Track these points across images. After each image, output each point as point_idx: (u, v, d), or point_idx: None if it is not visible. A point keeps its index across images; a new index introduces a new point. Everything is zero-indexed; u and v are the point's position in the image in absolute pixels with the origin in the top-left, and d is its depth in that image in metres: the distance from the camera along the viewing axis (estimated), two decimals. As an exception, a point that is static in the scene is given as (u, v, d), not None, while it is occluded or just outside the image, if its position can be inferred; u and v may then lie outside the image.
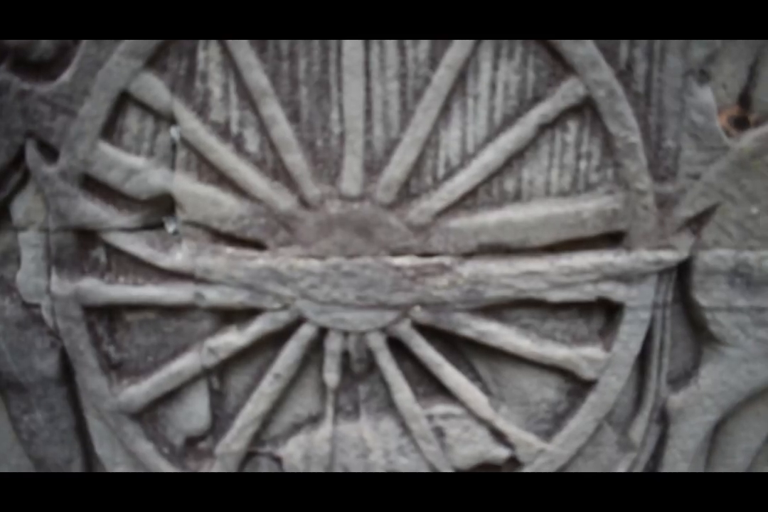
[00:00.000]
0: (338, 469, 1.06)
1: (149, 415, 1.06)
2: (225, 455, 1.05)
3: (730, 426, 1.11)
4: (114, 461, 1.11)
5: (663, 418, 1.07)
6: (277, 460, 1.07)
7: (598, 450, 1.07)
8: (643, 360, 1.05)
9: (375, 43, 0.91)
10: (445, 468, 1.04)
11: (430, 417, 1.03)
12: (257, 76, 0.92)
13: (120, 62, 0.92)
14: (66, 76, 0.94)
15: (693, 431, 1.05)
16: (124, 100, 0.94)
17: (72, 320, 1.01)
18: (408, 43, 0.92)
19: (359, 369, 1.03)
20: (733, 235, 0.99)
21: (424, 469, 1.05)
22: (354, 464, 1.05)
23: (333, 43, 0.92)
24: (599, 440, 1.06)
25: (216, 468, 1.06)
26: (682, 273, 1.01)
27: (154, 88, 0.93)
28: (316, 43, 0.92)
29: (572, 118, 0.95)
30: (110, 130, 0.95)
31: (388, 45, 0.91)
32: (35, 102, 0.95)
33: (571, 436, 1.04)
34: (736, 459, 1.12)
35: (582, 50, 0.91)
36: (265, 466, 1.08)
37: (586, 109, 0.94)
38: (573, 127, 0.95)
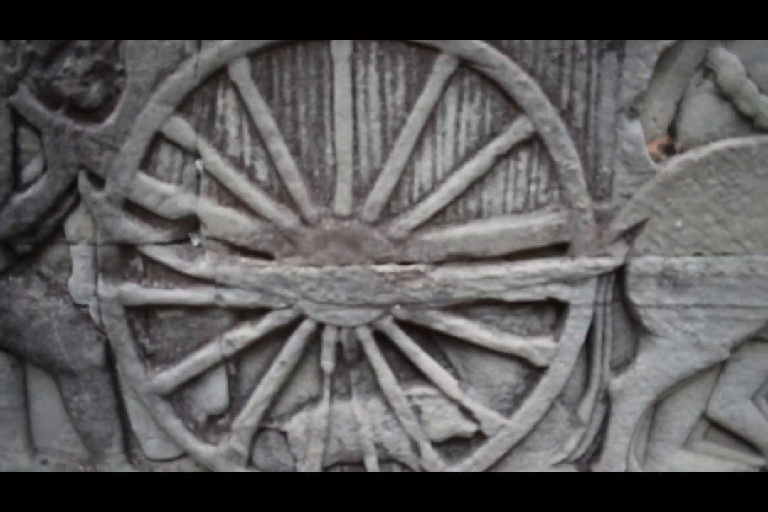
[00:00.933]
0: (334, 442, 1.26)
1: (177, 396, 1.27)
2: (240, 429, 1.26)
3: (666, 407, 1.30)
4: (147, 436, 1.32)
5: (607, 399, 1.26)
6: (283, 434, 1.28)
7: (552, 426, 1.27)
8: (589, 350, 1.25)
9: (360, 92, 1.12)
10: (422, 440, 1.24)
11: (409, 397, 1.23)
12: (265, 119, 1.12)
13: (155, 108, 1.14)
14: (110, 120, 1.16)
15: (632, 409, 1.25)
16: (157, 138, 1.15)
17: (115, 317, 1.22)
18: (387, 90, 1.12)
19: (350, 358, 1.23)
20: (661, 244, 1.19)
21: (405, 441, 1.25)
22: (347, 436, 1.26)
23: (327, 90, 1.12)
24: (552, 417, 1.26)
25: (232, 441, 1.27)
26: (618, 277, 1.21)
27: (182, 129, 1.14)
28: (312, 91, 1.13)
29: (523, 150, 1.15)
30: (146, 163, 1.17)
31: (371, 93, 1.12)
32: (86, 140, 1.16)
33: (527, 413, 1.23)
34: (672, 435, 1.31)
35: (530, 94, 1.11)
36: (272, 439, 1.29)
37: (534, 142, 1.14)
38: (524, 157, 1.15)
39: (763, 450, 1.32)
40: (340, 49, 1.11)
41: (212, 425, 1.29)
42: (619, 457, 1.26)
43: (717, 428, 1.33)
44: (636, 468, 1.29)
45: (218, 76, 1.12)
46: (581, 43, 1.12)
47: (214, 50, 1.11)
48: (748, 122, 1.19)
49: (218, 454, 1.27)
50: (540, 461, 1.27)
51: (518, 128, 1.12)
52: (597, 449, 1.29)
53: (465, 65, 1.10)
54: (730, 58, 1.18)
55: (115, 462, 1.31)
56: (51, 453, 1.36)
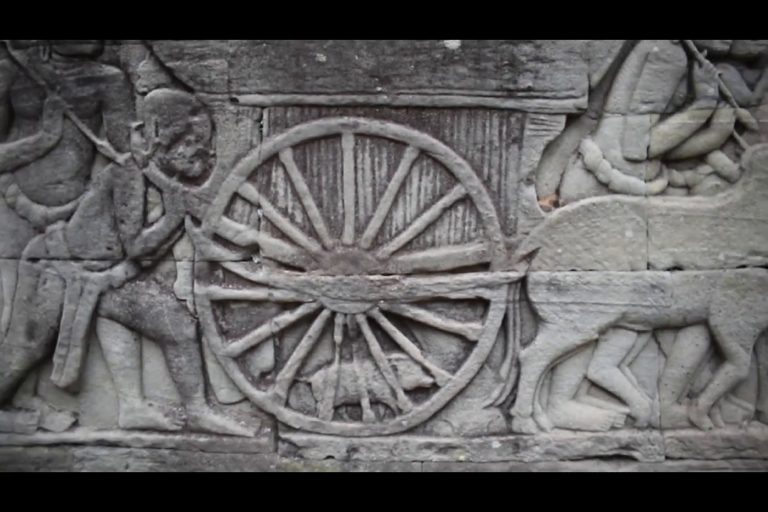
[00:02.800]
0: (341, 389, 1.93)
1: (241, 359, 1.96)
2: (281, 381, 1.94)
3: (559, 370, 1.96)
4: (220, 386, 2.00)
5: (518, 363, 1.92)
6: (309, 384, 1.95)
7: (482, 381, 1.93)
8: (506, 331, 1.92)
9: (359, 169, 1.82)
10: (398, 388, 1.91)
11: (389, 360, 1.91)
12: (301, 185, 1.83)
13: (233, 178, 1.85)
14: (206, 184, 1.87)
15: (533, 370, 1.91)
16: (234, 196, 1.86)
17: (204, 307, 1.92)
18: (376, 168, 1.82)
19: (352, 335, 1.92)
20: (548, 263, 1.86)
21: (386, 389, 1.93)
22: (349, 386, 1.93)
23: (339, 168, 1.83)
24: (483, 375, 1.93)
25: (276, 388, 1.94)
26: (522, 284, 1.89)
27: (250, 190, 1.85)
28: (330, 168, 1.83)
29: (460, 204, 1.84)
30: (227, 211, 1.87)
31: (366, 170, 1.82)
32: (190, 197, 1.88)
33: (465, 372, 1.91)
34: (564, 390, 1.96)
35: (463, 171, 1.80)
36: (302, 388, 1.97)
37: (467, 200, 1.83)
38: (461, 209, 1.84)
39: (626, 402, 1.97)
40: (347, 142, 1.82)
41: (263, 378, 1.98)
42: (527, 402, 1.92)
43: (595, 386, 1.99)
44: (539, 410, 1.94)
45: (273, 158, 1.84)
46: (495, 139, 1.82)
47: (270, 143, 1.82)
48: (604, 187, 1.87)
49: (266, 397, 1.95)
50: (475, 404, 1.94)
51: (457, 191, 1.82)
52: (513, 397, 1.95)
53: (423, 153, 1.81)
54: (592, 146, 1.87)
55: (198, 404, 1.99)
56: (155, 399, 2.04)
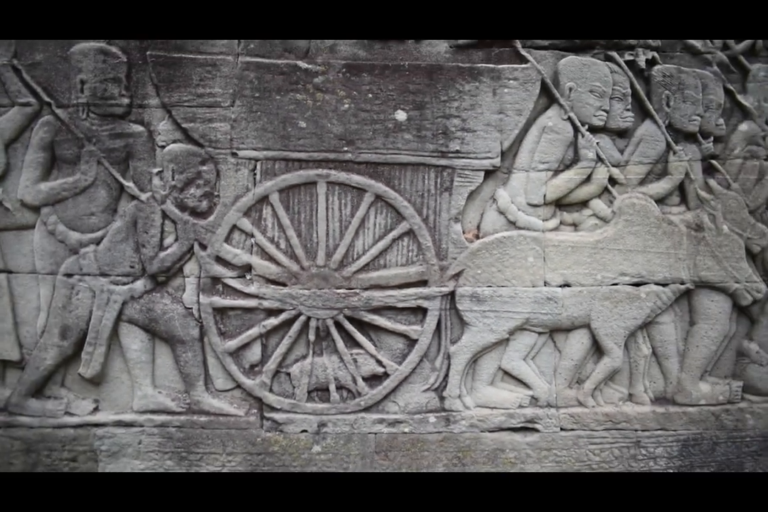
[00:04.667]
0: (314, 377, 2.48)
1: (236, 354, 2.49)
2: (267, 371, 2.47)
3: (480, 362, 2.56)
4: (217, 376, 2.52)
5: (448, 357, 2.52)
6: (288, 374, 2.50)
7: (422, 370, 2.51)
8: (439, 332, 2.51)
9: (330, 208, 2.40)
10: (357, 376, 2.47)
11: (351, 354, 2.48)
12: (285, 220, 2.40)
13: (233, 213, 2.41)
14: (211, 218, 2.42)
15: (460, 362, 2.50)
16: (233, 228, 2.41)
17: (207, 313, 2.45)
18: (342, 208, 2.41)
19: (322, 335, 2.48)
20: (471, 281, 2.48)
21: (349, 376, 2.49)
22: (320, 374, 2.48)
23: (314, 207, 2.41)
24: (422, 366, 2.51)
25: (263, 377, 2.48)
26: (452, 296, 2.49)
27: (245, 223, 2.42)
28: (308, 207, 2.41)
29: (406, 236, 2.44)
30: (227, 239, 2.42)
31: (335, 209, 2.41)
32: (198, 227, 2.42)
33: (409, 363, 2.49)
34: (483, 377, 2.56)
35: (408, 211, 2.41)
36: (282, 377, 2.50)
37: (411, 233, 2.43)
38: (406, 239, 2.44)
39: (531, 386, 2.58)
40: (321, 188, 2.40)
41: (252, 369, 2.51)
42: (455, 386, 2.51)
43: (507, 375, 2.60)
44: (464, 393, 2.54)
45: (264, 199, 2.40)
46: (432, 188, 2.43)
47: (262, 188, 2.39)
48: (512, 224, 2.50)
49: (255, 384, 2.48)
50: (416, 388, 2.51)
51: (403, 226, 2.42)
52: (445, 383, 2.54)
53: (378, 197, 2.41)
54: (504, 194, 2.50)
55: (200, 390, 2.50)
56: (164, 388, 2.53)
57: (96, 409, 2.53)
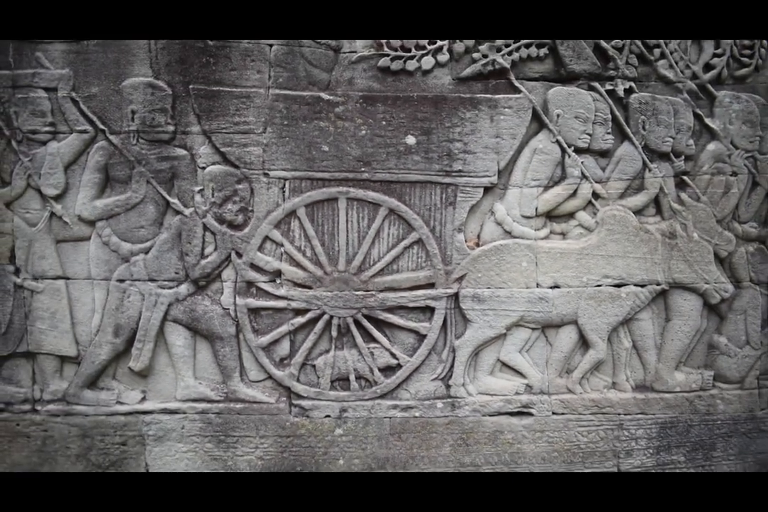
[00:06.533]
0: (336, 368, 2.83)
1: (267, 349, 2.82)
2: (295, 363, 2.82)
3: (481, 354, 2.90)
4: (251, 368, 2.85)
5: (453, 350, 2.86)
6: (313, 366, 2.84)
7: (430, 362, 2.85)
8: (445, 328, 2.86)
9: (349, 221, 2.76)
10: (374, 367, 2.81)
11: (368, 348, 2.82)
12: (311, 231, 2.75)
13: (265, 226, 2.76)
14: (246, 230, 2.77)
15: (464, 354, 2.84)
16: (266, 238, 2.76)
17: (242, 313, 2.80)
18: (360, 220, 2.76)
19: (343, 331, 2.82)
20: (472, 283, 2.82)
21: (367, 368, 2.83)
22: (342, 366, 2.82)
23: (336, 220, 2.76)
24: (430, 358, 2.84)
25: (291, 369, 2.82)
26: (456, 297, 2.84)
27: (276, 235, 2.76)
28: (330, 220, 2.76)
29: (416, 245, 2.79)
30: (260, 248, 2.77)
31: (353, 221, 2.76)
32: (235, 238, 2.77)
33: (419, 356, 2.82)
34: (484, 368, 2.90)
35: (417, 223, 2.76)
36: (308, 369, 2.84)
37: (420, 242, 2.78)
38: (416, 248, 2.79)
39: (526, 376, 2.92)
40: (342, 203, 2.76)
41: (282, 362, 2.85)
42: (459, 376, 2.85)
43: (505, 365, 2.94)
44: (468, 381, 2.88)
45: (292, 213, 2.75)
46: (438, 202, 2.79)
47: (290, 203, 2.75)
48: (508, 234, 2.85)
49: (284, 375, 2.82)
50: (425, 378, 2.85)
51: (413, 236, 2.78)
52: (450, 373, 2.88)
53: (392, 211, 2.76)
54: (500, 207, 2.85)
55: (236, 381, 2.83)
56: (204, 379, 2.85)
57: (144, 399, 2.84)
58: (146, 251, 2.77)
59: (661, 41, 2.94)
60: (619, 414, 2.93)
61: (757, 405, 3.06)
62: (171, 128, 2.73)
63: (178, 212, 2.76)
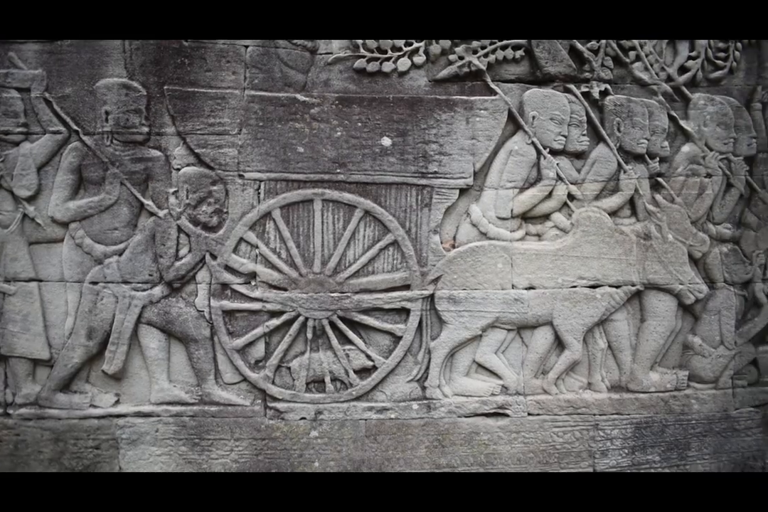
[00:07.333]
0: (311, 370, 2.82)
1: (242, 351, 2.81)
2: (270, 365, 2.81)
3: (457, 355, 2.91)
4: (226, 371, 2.84)
5: (429, 352, 2.87)
6: (288, 368, 2.83)
7: (405, 363, 2.86)
8: (421, 330, 2.86)
9: (325, 222, 2.76)
10: (349, 369, 2.81)
11: (344, 350, 2.82)
12: (286, 232, 2.75)
13: (240, 228, 2.75)
14: (221, 231, 2.76)
15: (439, 356, 2.85)
16: (240, 240, 2.76)
17: (217, 315, 2.79)
18: (336, 222, 2.76)
19: (319, 333, 2.82)
20: (448, 285, 2.83)
21: (342, 370, 2.83)
22: (317, 368, 2.82)
23: (311, 221, 2.75)
24: (406, 360, 2.86)
25: (266, 371, 2.81)
26: (432, 298, 2.84)
27: (251, 236, 2.75)
28: (305, 222, 2.76)
29: (391, 246, 2.79)
30: (235, 250, 2.76)
31: (329, 223, 2.76)
32: (210, 240, 2.76)
33: (395, 357, 2.84)
34: (460, 369, 2.91)
35: (393, 224, 2.76)
36: (284, 371, 2.84)
37: (396, 244, 2.78)
38: (392, 249, 2.79)
39: (501, 377, 2.93)
40: (317, 205, 2.75)
41: (257, 364, 2.84)
42: (435, 377, 2.86)
43: (481, 367, 2.95)
44: (443, 383, 2.88)
45: (267, 215, 2.75)
46: (413, 204, 2.79)
47: (265, 205, 2.74)
48: (484, 235, 2.86)
49: (259, 378, 2.81)
50: (401, 379, 2.85)
51: (389, 238, 2.78)
52: (426, 374, 2.88)
53: (367, 213, 2.76)
54: (476, 209, 2.86)
55: (210, 384, 2.82)
56: (178, 382, 2.84)
57: (117, 402, 2.82)
58: (120, 253, 2.76)
59: (637, 44, 2.97)
60: (594, 415, 2.95)
61: (731, 404, 3.08)
62: (145, 129, 2.72)
63: (152, 214, 2.76)
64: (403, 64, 2.79)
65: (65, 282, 2.78)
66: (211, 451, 2.81)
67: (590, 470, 2.93)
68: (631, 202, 3.02)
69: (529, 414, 2.92)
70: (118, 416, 2.79)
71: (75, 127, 2.69)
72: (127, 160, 2.73)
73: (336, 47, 2.81)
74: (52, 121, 2.71)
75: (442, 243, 2.84)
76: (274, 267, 2.78)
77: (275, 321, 2.80)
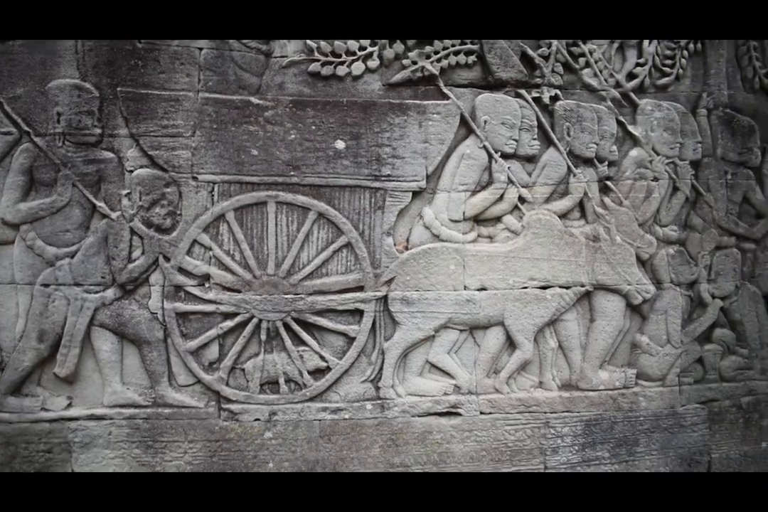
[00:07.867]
0: (265, 372, 2.84)
1: (196, 353, 2.81)
2: (224, 367, 2.82)
3: (410, 355, 2.95)
4: (179, 373, 2.84)
5: (383, 352, 2.90)
6: (242, 370, 2.84)
7: (359, 364, 2.89)
8: (374, 331, 2.90)
9: (278, 225, 2.78)
10: (303, 370, 2.84)
11: (298, 351, 2.84)
12: (240, 235, 2.76)
13: (193, 229, 2.76)
14: (174, 234, 2.76)
15: (393, 356, 2.89)
16: (194, 242, 2.76)
17: (171, 317, 2.79)
18: (289, 224, 2.79)
19: (273, 335, 2.84)
20: (401, 286, 2.87)
21: (296, 371, 2.85)
22: (271, 369, 2.84)
23: (265, 224, 2.77)
24: (360, 360, 2.89)
25: (220, 373, 2.82)
26: (385, 299, 2.88)
27: (204, 238, 2.76)
28: (259, 224, 2.78)
29: (345, 248, 2.82)
30: (189, 252, 2.77)
31: (283, 225, 2.78)
32: (163, 242, 2.76)
33: (348, 358, 2.87)
34: (413, 369, 2.94)
35: (347, 227, 2.80)
36: (238, 372, 2.85)
37: (349, 245, 2.82)
38: (345, 251, 2.83)
39: (454, 376, 2.98)
40: (271, 207, 2.77)
41: (211, 366, 2.84)
42: (389, 378, 2.90)
43: (434, 367, 3.00)
44: (397, 383, 2.92)
45: (221, 217, 2.76)
46: (367, 206, 2.83)
47: (219, 207, 2.75)
48: (436, 237, 2.91)
49: (213, 379, 2.82)
50: (355, 380, 2.88)
51: (342, 240, 2.81)
52: (380, 375, 2.92)
53: (321, 215, 2.79)
54: (429, 211, 2.91)
55: (164, 386, 2.82)
56: (131, 384, 2.83)
57: (69, 405, 2.79)
58: (72, 255, 2.75)
59: (586, 50, 3.05)
60: (545, 413, 3.02)
61: (677, 401, 3.18)
62: (98, 131, 2.71)
63: (104, 216, 2.75)
64: (357, 68, 2.83)
65: (16, 284, 2.75)
66: (165, 453, 2.81)
67: (542, 467, 3.00)
68: (581, 205, 3.10)
69: (481, 413, 2.97)
70: (71, 419, 2.76)
71: (26, 128, 2.68)
72: (79, 161, 2.72)
73: (291, 50, 2.84)
74: (3, 122, 2.68)
75: (395, 245, 2.89)
76: (227, 269, 2.79)
77: (229, 323, 2.81)
